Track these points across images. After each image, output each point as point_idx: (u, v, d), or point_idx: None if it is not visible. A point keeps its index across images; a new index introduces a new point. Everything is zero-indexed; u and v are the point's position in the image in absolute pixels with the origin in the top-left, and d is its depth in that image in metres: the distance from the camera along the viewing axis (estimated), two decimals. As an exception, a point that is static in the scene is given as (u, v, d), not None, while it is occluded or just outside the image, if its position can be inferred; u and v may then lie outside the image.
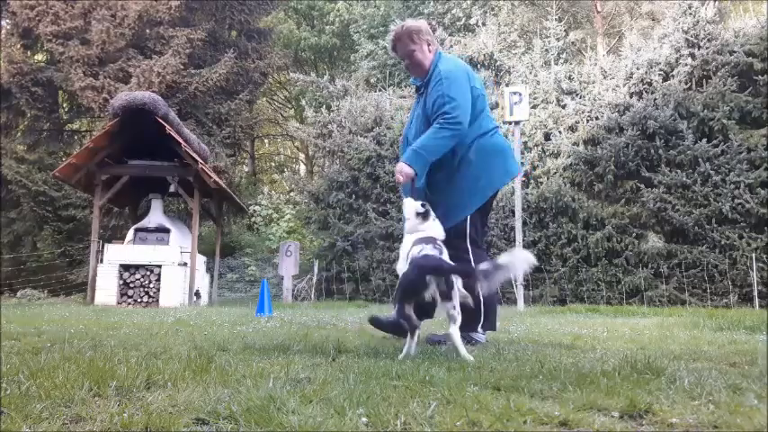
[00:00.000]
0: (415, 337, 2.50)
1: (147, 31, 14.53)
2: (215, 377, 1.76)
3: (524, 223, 10.44)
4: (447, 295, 2.37)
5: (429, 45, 3.12)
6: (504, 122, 10.52)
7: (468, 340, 2.97)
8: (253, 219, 17.49)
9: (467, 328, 3.00)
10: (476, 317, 3.00)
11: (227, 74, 14.67)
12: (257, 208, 17.15)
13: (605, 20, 20.04)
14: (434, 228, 2.73)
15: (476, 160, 3.03)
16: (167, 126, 9.70)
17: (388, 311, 3.83)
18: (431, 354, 2.43)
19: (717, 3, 11.73)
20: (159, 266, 9.91)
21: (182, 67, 14.03)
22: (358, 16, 19.60)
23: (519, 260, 2.49)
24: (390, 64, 17.30)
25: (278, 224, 16.38)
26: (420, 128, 3.11)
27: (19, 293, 11.81)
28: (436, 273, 2.38)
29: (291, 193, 16.78)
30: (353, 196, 12.60)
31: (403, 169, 2.93)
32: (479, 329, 3.04)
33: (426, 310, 2.65)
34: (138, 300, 9.80)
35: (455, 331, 2.41)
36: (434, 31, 3.26)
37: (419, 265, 2.45)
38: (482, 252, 3.13)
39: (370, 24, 19.03)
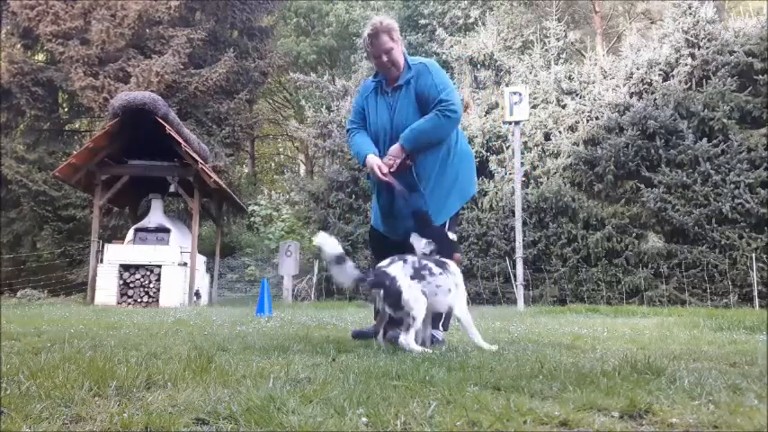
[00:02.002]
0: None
1: (147, 30, 14.52)
2: (215, 377, 1.76)
3: (524, 223, 10.45)
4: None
5: (400, 43, 3.11)
6: (505, 122, 10.53)
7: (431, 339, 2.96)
8: (252, 219, 17.50)
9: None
10: (437, 315, 2.99)
11: (227, 73, 14.67)
12: (256, 208, 17.16)
13: (603, 20, 20.05)
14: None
15: (458, 163, 3.08)
16: (167, 126, 9.69)
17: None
18: (430, 354, 2.44)
19: (716, 2, 11.74)
20: (159, 266, 9.90)
21: (181, 66, 14.03)
22: (358, 17, 19.59)
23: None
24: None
25: (275, 224, 16.38)
26: (407, 117, 3.05)
27: (19, 293, 11.80)
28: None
29: (291, 194, 16.77)
30: (353, 196, 12.60)
31: (397, 153, 2.93)
32: (440, 327, 3.03)
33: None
34: (138, 300, 9.80)
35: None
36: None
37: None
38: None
39: (371, 27, 19.01)
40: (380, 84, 3.18)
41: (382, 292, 2.60)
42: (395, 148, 2.96)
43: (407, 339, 2.53)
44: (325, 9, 21.35)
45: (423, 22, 18.06)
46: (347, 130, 3.38)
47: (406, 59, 3.09)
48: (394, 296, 2.56)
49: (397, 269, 2.62)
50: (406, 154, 2.95)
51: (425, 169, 3.03)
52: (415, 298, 2.56)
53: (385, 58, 3.06)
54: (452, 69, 14.70)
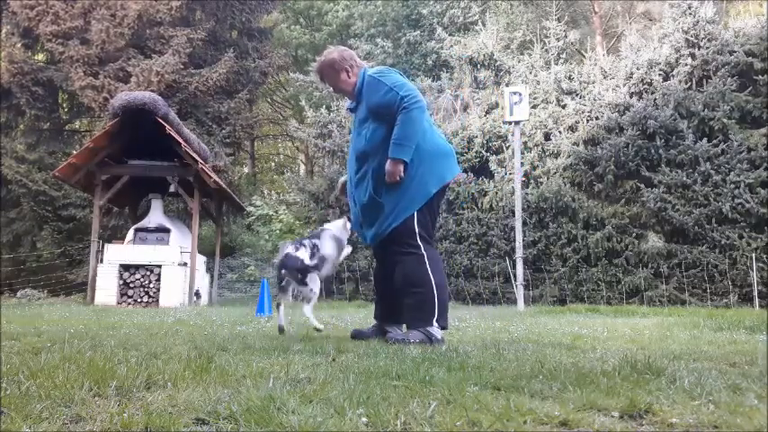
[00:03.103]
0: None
1: (147, 30, 14.53)
2: (215, 377, 1.76)
3: (524, 223, 10.45)
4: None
5: (350, 69, 3.27)
6: (505, 122, 10.53)
7: (429, 337, 2.96)
8: (250, 218, 17.48)
9: (421, 323, 3.02)
10: (430, 311, 3.02)
11: (227, 73, 14.67)
12: (252, 208, 17.14)
13: (603, 20, 20.05)
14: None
15: (416, 161, 3.07)
16: (167, 126, 9.69)
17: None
18: (430, 354, 2.44)
19: (715, 2, 11.75)
20: (159, 266, 9.90)
21: (181, 66, 14.03)
22: (357, 16, 19.56)
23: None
24: (389, 64, 17.29)
25: (273, 224, 16.35)
26: (360, 140, 3.24)
27: (19, 293, 11.80)
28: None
29: (291, 194, 16.75)
30: (353, 196, 12.58)
31: (394, 168, 3.03)
32: (435, 324, 3.03)
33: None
34: (138, 300, 9.80)
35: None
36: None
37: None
38: (433, 248, 3.18)
39: (369, 23, 18.99)
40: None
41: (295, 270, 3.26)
42: (387, 167, 3.05)
43: (309, 310, 3.36)
44: (325, 8, 21.32)
45: (423, 17, 18.06)
46: None
47: (361, 77, 3.24)
48: (303, 273, 3.28)
49: (304, 254, 3.32)
50: (404, 162, 3.04)
51: (382, 176, 3.11)
52: (314, 279, 3.30)
53: (336, 89, 3.44)
54: (452, 69, 14.70)
